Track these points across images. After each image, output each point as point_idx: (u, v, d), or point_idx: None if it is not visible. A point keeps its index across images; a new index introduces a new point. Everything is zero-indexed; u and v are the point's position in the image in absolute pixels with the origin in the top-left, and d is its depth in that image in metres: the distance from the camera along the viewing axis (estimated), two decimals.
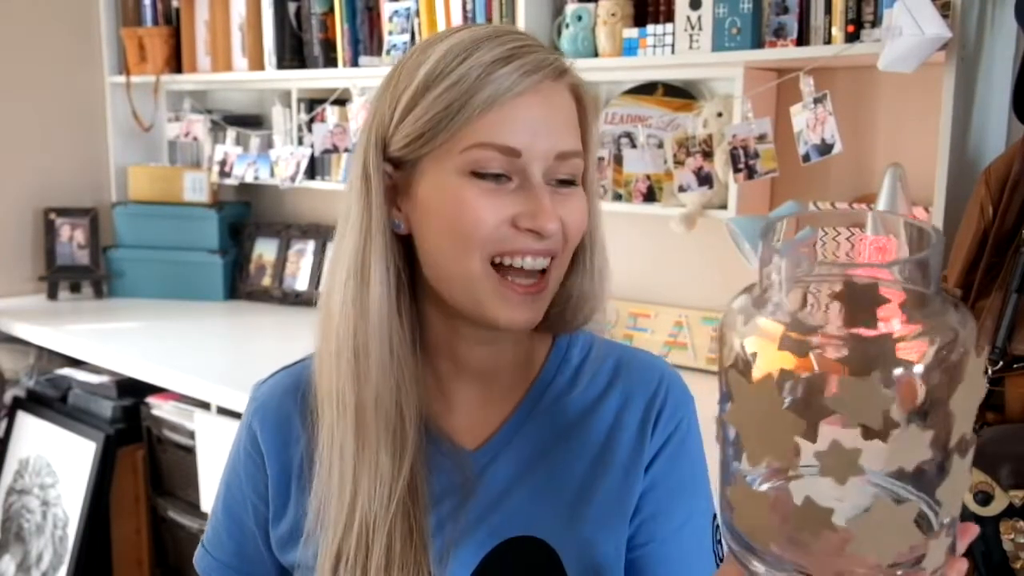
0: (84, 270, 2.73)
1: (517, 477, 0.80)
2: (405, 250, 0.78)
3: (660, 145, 1.86)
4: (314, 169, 2.47)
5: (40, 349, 2.45)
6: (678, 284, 2.05)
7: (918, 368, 0.48)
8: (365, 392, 0.76)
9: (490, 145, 0.71)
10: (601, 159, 1.93)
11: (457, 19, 2.04)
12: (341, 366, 0.77)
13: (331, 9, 2.31)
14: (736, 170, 1.70)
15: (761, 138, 1.67)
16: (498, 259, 0.73)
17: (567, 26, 1.87)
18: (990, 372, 1.25)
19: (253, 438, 0.85)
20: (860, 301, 0.47)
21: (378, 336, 0.75)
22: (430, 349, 0.81)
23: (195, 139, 2.73)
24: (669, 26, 1.75)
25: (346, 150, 2.36)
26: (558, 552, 0.78)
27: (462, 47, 0.73)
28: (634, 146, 1.87)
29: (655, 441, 0.82)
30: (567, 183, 0.75)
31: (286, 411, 0.84)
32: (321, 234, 2.66)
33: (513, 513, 0.79)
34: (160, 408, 2.15)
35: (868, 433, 0.46)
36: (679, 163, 1.81)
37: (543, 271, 0.75)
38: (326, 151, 2.38)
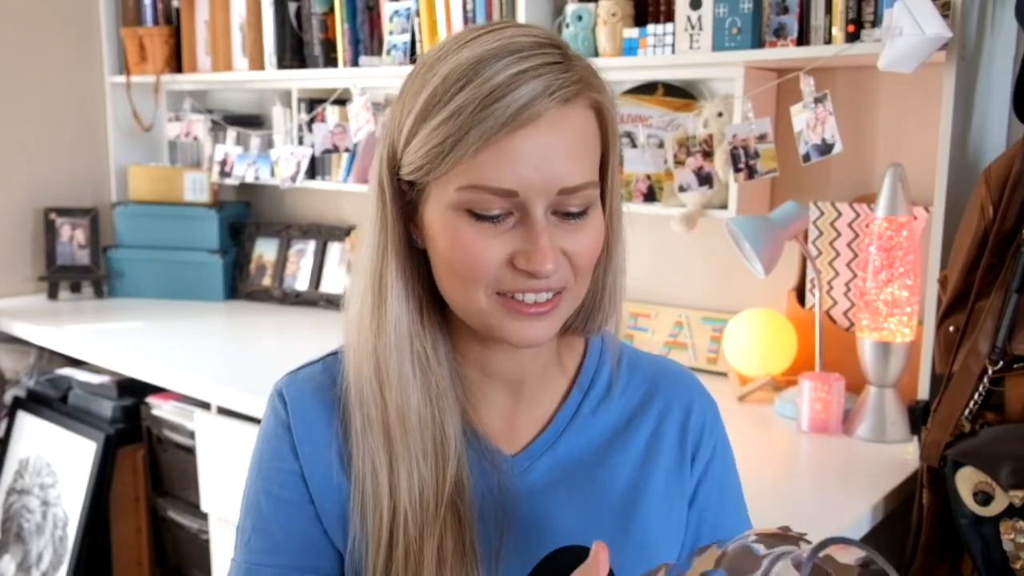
0: (84, 270, 2.73)
1: (560, 485, 0.80)
2: (426, 263, 0.76)
3: (660, 145, 1.86)
4: (314, 169, 2.47)
5: (40, 349, 2.45)
6: (678, 284, 2.05)
7: None
8: (390, 406, 0.75)
9: (483, 188, 0.67)
10: None
11: (457, 19, 2.04)
12: (362, 381, 0.76)
13: (331, 9, 2.31)
14: (736, 170, 1.70)
15: (761, 138, 1.67)
16: (501, 292, 0.71)
17: (567, 26, 1.86)
18: (990, 372, 1.25)
19: (286, 429, 0.80)
20: None
21: (397, 354, 0.74)
22: (459, 357, 0.80)
23: (195, 139, 2.73)
24: (669, 26, 1.75)
25: (346, 150, 2.37)
26: (612, 565, 0.75)
27: (462, 70, 0.67)
28: (634, 146, 1.87)
29: (700, 459, 0.85)
30: (577, 215, 0.70)
31: (322, 406, 0.80)
32: (321, 234, 2.65)
33: (560, 522, 0.78)
34: (160, 408, 2.15)
35: None
36: (679, 163, 1.81)
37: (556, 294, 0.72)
38: (326, 151, 2.38)
